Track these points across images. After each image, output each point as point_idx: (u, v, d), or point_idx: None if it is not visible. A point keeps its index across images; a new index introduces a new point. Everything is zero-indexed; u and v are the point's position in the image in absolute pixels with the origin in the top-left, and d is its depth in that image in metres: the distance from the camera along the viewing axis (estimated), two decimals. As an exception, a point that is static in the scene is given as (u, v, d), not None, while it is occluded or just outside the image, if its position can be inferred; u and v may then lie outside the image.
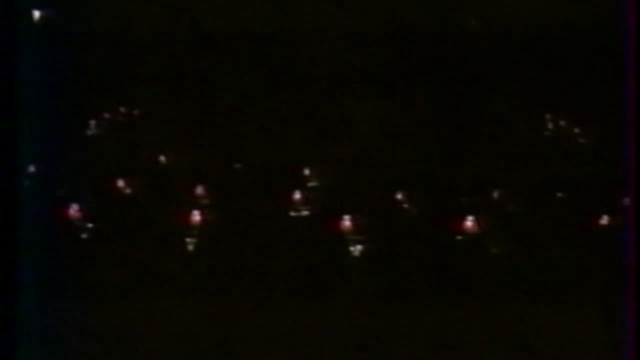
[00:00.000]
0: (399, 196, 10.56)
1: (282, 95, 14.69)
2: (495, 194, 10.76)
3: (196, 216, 9.54)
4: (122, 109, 19.24)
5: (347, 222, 9.39)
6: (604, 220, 9.26)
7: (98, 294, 7.90)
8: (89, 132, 16.34)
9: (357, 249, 9.09)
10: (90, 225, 9.51)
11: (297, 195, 10.44)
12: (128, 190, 10.96)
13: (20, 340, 6.43)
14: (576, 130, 16.95)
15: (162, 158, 13.07)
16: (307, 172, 12.12)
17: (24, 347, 6.48)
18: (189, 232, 9.34)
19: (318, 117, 17.66)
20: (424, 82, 21.99)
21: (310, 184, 11.62)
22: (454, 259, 8.84)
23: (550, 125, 18.34)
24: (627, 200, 7.08)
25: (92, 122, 16.97)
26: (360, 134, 15.61)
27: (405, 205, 10.42)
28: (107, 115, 18.15)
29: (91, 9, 19.46)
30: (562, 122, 18.32)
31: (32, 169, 10.85)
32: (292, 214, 10.11)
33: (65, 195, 10.07)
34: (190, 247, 9.22)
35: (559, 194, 10.86)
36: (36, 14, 18.55)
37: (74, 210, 9.49)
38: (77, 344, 7.20)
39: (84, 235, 9.36)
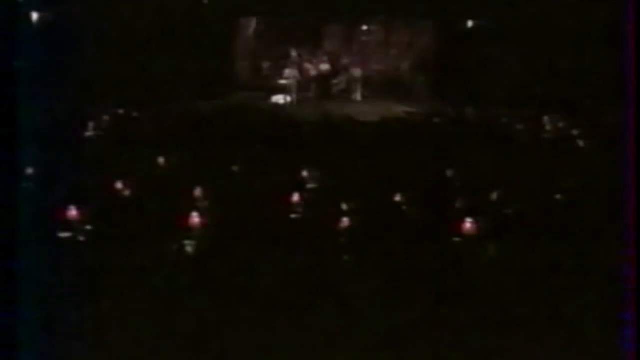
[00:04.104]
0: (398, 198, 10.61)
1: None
2: (494, 196, 10.82)
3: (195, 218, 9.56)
4: (121, 111, 19.30)
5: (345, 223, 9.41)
6: (604, 220, 9.30)
7: (97, 295, 7.91)
8: (88, 134, 16.42)
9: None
10: (89, 227, 9.53)
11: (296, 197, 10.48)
12: (127, 193, 10.99)
13: (20, 339, 6.44)
14: (575, 132, 17.06)
15: (161, 160, 13.12)
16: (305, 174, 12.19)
17: (25, 347, 6.49)
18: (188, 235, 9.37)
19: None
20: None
21: (310, 186, 11.67)
22: (452, 261, 8.86)
23: (548, 127, 18.43)
24: (627, 201, 7.09)
25: (91, 125, 17.04)
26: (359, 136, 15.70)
27: (404, 207, 10.47)
28: (105, 117, 18.23)
29: (92, 11, 19.48)
30: (561, 124, 18.42)
31: (31, 171, 10.88)
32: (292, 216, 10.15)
33: (65, 197, 10.10)
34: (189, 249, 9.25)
35: (558, 196, 10.92)
36: (35, 15, 18.55)
37: (73, 212, 9.51)
38: (76, 344, 7.21)
39: (82, 237, 9.38)
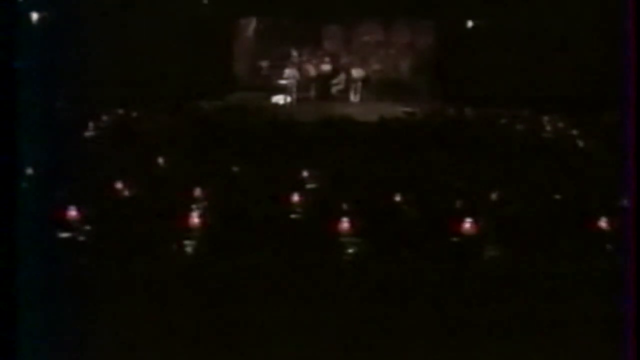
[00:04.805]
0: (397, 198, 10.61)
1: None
2: (494, 196, 10.82)
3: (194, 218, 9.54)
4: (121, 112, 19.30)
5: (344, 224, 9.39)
6: (603, 221, 9.28)
7: (96, 295, 7.91)
8: (88, 134, 16.43)
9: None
10: (88, 227, 9.52)
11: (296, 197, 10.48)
12: (126, 193, 10.98)
13: (20, 340, 6.44)
14: (575, 131, 17.08)
15: (161, 160, 13.12)
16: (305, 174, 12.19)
17: (24, 348, 6.49)
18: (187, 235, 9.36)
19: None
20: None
21: (309, 186, 11.67)
22: (451, 261, 8.84)
23: (548, 127, 18.42)
24: (626, 202, 7.08)
25: (91, 124, 17.04)
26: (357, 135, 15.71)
27: (404, 207, 10.47)
28: (105, 117, 18.23)
29: (91, 11, 19.47)
30: (560, 124, 18.41)
31: (30, 171, 10.87)
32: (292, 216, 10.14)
33: (64, 197, 10.10)
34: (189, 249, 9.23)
35: (558, 196, 10.92)
36: (35, 15, 18.55)
37: (72, 212, 9.50)
38: (75, 345, 7.21)
39: (81, 238, 9.37)
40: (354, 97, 24.78)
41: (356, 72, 25.09)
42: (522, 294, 8.15)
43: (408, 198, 10.62)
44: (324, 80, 25.19)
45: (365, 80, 25.10)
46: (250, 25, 25.99)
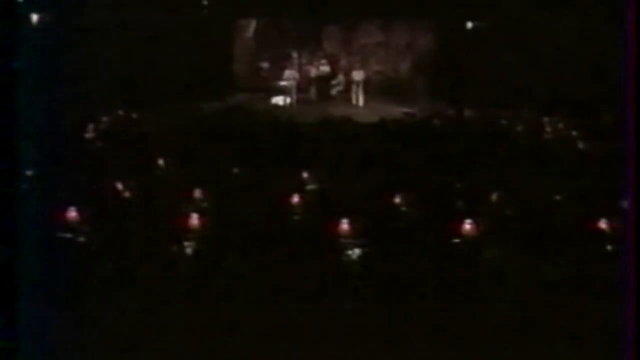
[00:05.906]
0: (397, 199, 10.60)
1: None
2: (494, 197, 10.82)
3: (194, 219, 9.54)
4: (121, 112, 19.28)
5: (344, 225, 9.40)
6: (603, 222, 9.29)
7: (95, 296, 7.92)
8: (88, 136, 16.41)
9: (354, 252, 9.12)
10: (88, 228, 9.52)
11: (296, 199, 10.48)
12: (126, 194, 10.98)
13: (20, 340, 6.45)
14: (574, 132, 17.07)
15: (161, 161, 13.11)
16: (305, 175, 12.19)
17: (24, 347, 6.50)
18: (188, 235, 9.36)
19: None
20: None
21: (309, 187, 11.66)
22: (451, 262, 8.85)
23: (548, 128, 18.41)
24: (626, 203, 7.09)
25: (91, 126, 17.03)
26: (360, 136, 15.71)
27: (403, 208, 10.47)
28: (105, 118, 18.21)
29: (91, 12, 19.44)
30: (560, 125, 18.40)
31: (30, 171, 10.86)
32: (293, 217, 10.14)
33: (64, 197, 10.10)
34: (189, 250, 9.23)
35: (558, 197, 10.92)
36: (35, 16, 18.50)
37: (72, 213, 9.50)
38: (75, 345, 7.22)
39: (81, 238, 9.37)
40: (353, 98, 24.79)
41: (356, 74, 25.09)
42: (522, 295, 8.16)
43: (408, 199, 10.61)
44: (323, 81, 25.20)
45: (365, 82, 25.10)
46: (250, 27, 25.99)
